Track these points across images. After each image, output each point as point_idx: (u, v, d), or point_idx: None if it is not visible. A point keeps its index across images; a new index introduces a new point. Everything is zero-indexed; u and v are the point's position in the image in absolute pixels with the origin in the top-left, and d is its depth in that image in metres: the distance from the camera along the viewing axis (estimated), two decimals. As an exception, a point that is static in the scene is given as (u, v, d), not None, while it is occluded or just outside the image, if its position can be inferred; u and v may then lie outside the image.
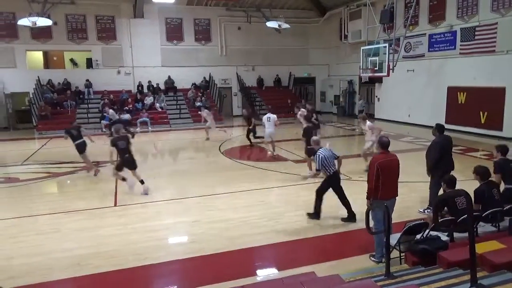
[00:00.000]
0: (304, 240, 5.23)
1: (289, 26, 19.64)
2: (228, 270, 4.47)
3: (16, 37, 18.55)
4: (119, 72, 20.36)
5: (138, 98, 19.67)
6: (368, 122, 9.11)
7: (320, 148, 6.07)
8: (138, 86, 20.43)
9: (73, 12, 19.29)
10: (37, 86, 18.50)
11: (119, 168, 7.75)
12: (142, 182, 7.62)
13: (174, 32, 21.27)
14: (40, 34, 18.41)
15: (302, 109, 11.01)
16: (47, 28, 17.97)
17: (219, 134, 14.24)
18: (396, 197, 4.60)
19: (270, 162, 10.45)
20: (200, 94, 20.60)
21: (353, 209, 5.76)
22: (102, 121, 17.24)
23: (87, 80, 19.68)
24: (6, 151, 13.59)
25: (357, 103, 16.36)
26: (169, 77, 21.09)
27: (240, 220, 6.01)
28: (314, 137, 6.88)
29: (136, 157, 7.91)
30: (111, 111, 16.57)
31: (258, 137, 12.70)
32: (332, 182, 5.82)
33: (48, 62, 21.49)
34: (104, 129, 17.02)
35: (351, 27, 20.39)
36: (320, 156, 5.78)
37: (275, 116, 11.44)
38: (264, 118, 11.65)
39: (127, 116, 17.21)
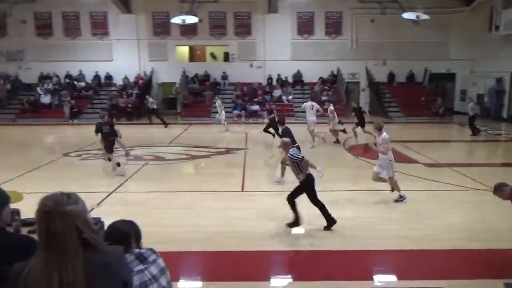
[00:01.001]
0: (433, 252, 4.87)
1: (428, 17, 18.03)
2: (341, 270, 4.46)
3: (169, 34, 21.20)
4: (251, 65, 21.60)
5: (267, 90, 20.61)
6: (384, 134, 6.80)
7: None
8: (268, 79, 21.40)
9: (215, 10, 21.10)
10: (182, 77, 20.93)
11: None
12: (118, 164, 8.49)
13: (304, 26, 21.56)
14: (187, 31, 20.70)
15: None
16: (193, 25, 20.07)
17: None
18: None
19: (397, 163, 9.89)
20: (327, 88, 20.53)
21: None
22: (234, 111, 18.61)
23: (224, 72, 21.42)
24: (156, 133, 15.77)
25: (469, 106, 14.17)
26: (298, 70, 21.54)
27: (361, 220, 5.89)
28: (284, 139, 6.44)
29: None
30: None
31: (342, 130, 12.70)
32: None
33: (192, 56, 24.01)
34: (235, 118, 18.36)
35: (504, 16, 17.72)
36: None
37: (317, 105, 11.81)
38: (308, 105, 11.69)
39: (256, 107, 18.26)
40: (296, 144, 7.71)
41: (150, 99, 17.75)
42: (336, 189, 7.27)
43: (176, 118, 19.60)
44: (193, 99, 20.26)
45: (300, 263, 4.77)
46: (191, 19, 18.45)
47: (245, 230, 5.51)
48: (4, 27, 21.04)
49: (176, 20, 18.25)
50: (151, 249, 1.94)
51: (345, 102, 20.21)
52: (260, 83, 21.37)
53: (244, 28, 21.50)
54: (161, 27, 21.17)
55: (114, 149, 9.05)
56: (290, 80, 21.62)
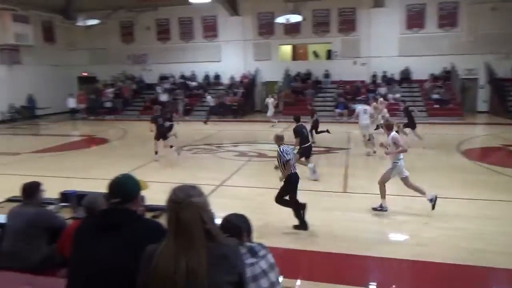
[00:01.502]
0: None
1: None
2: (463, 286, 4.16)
3: (273, 33, 21.76)
4: (355, 63, 20.99)
5: (371, 88, 19.84)
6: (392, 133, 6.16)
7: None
8: (372, 76, 20.59)
9: (319, 7, 20.97)
10: (285, 76, 21.33)
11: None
12: (171, 146, 10.36)
13: (414, 19, 20.17)
14: (290, 29, 21.00)
15: None
16: (297, 24, 20.26)
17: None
18: None
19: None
20: (439, 86, 18.95)
21: None
22: (336, 110, 18.36)
23: (326, 71, 21.23)
24: (259, 131, 16.39)
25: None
26: (406, 67, 20.29)
27: (476, 232, 5.40)
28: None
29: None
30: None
31: (322, 132, 11.94)
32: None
33: (295, 55, 24.27)
34: (337, 117, 18.10)
35: None
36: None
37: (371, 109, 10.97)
38: (360, 109, 10.77)
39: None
40: (309, 143, 8.31)
41: (209, 97, 19.68)
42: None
43: (277, 117, 20.04)
44: (295, 97, 20.51)
45: (401, 272, 4.59)
46: (295, 18, 18.72)
47: (348, 232, 5.48)
48: (132, 33, 23.95)
49: (281, 19, 18.69)
50: (261, 244, 2.04)
51: (460, 101, 18.42)
52: (363, 81, 20.67)
53: (348, 25, 20.99)
54: (265, 28, 21.83)
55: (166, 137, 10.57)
56: (397, 77, 20.47)
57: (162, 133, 10.47)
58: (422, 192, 6.10)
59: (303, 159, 8.35)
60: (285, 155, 5.50)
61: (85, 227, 2.02)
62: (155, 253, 1.56)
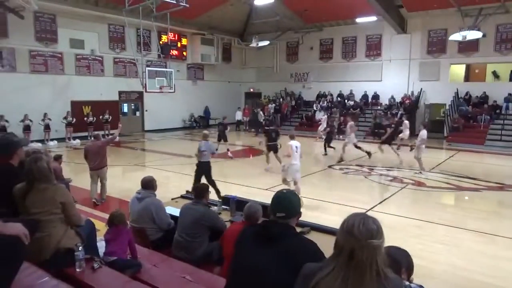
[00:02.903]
0: None
1: None
2: None
3: (444, 52, 19.90)
4: (549, 86, 17.47)
5: None
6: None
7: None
8: None
9: (505, 22, 18.25)
10: (454, 99, 19.19)
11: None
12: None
13: None
14: (466, 47, 18.83)
15: None
16: (474, 41, 18.05)
17: None
18: None
19: None
20: None
21: None
22: (517, 140, 15.58)
23: (509, 94, 18.23)
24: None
25: None
26: None
27: None
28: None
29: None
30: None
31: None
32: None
33: (468, 75, 21.64)
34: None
35: None
36: None
37: None
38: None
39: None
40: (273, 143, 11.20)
41: (261, 113, 20.70)
42: None
43: (441, 143, 18.16)
44: (464, 122, 18.22)
45: None
46: (474, 35, 16.70)
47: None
48: (296, 53, 25.34)
49: (456, 37, 16.95)
50: (421, 287, 1.87)
51: None
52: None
53: (543, 41, 17.63)
54: (436, 45, 20.13)
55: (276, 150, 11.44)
56: None
57: (273, 147, 11.48)
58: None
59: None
60: (200, 147, 7.94)
61: (247, 236, 2.17)
62: (317, 275, 1.54)
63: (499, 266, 5.19)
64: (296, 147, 7.99)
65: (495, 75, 20.53)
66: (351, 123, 13.86)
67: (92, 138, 8.42)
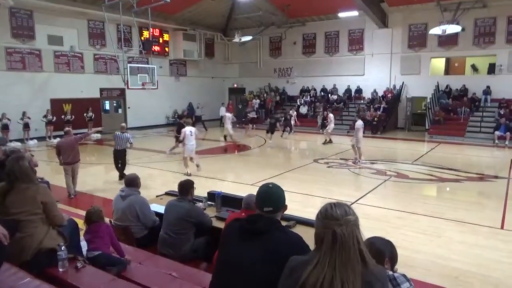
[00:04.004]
0: None
1: None
2: None
3: (424, 46, 20.20)
4: (525, 78, 17.93)
5: (547, 108, 16.64)
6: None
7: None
8: (549, 95, 17.27)
9: (483, 16, 18.63)
10: (435, 92, 19.54)
11: None
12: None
13: None
14: (445, 41, 19.16)
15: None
16: (453, 35, 18.37)
17: None
18: None
19: None
20: None
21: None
22: (495, 132, 15.98)
23: (487, 87, 18.66)
24: (400, 149, 15.41)
25: None
26: None
27: None
28: None
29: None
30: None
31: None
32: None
33: (448, 69, 22.03)
34: (496, 141, 15.77)
35: None
36: None
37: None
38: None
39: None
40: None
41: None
42: None
43: (423, 136, 18.50)
44: (444, 115, 18.58)
45: None
46: (453, 29, 17.00)
47: (504, 278, 4.68)
48: (279, 48, 25.33)
49: (436, 30, 17.23)
50: (404, 276, 1.88)
51: None
52: (537, 100, 17.47)
53: (521, 34, 18.06)
54: (416, 39, 20.42)
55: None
56: None
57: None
58: (186, 166, 10.08)
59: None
60: (114, 138, 9.31)
61: (232, 231, 2.14)
62: (304, 269, 1.55)
63: (480, 255, 5.32)
64: (191, 131, 10.02)
65: (474, 68, 20.96)
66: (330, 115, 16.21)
67: (64, 134, 8.38)
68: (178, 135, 11.54)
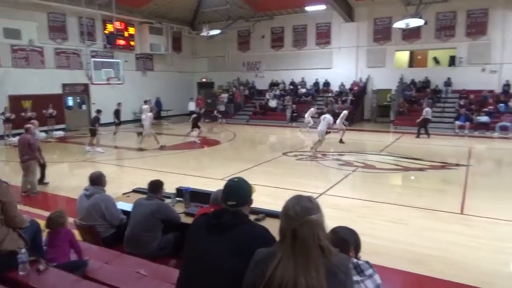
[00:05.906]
0: None
1: None
2: None
3: (389, 39, 20.74)
4: (483, 70, 18.77)
5: (502, 99, 17.50)
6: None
7: None
8: (504, 86, 18.16)
9: (444, 10, 19.30)
10: (399, 84, 20.12)
11: None
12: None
13: None
14: (409, 35, 19.75)
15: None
16: (416, 29, 18.95)
17: None
18: None
19: None
20: None
21: None
22: (456, 122, 16.68)
23: (448, 79, 19.40)
24: (367, 140, 15.79)
25: None
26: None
27: None
28: None
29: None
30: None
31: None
32: None
33: (412, 61, 22.72)
34: (456, 130, 16.46)
35: None
36: None
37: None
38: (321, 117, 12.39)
39: (485, 119, 15.85)
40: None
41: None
42: None
43: (388, 127, 19.04)
44: (408, 107, 19.19)
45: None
46: (416, 22, 17.52)
47: (462, 259, 4.93)
48: (248, 42, 25.24)
49: (400, 24, 17.69)
50: (368, 262, 1.93)
51: None
52: (492, 91, 18.32)
53: (477, 28, 18.85)
54: (381, 33, 20.92)
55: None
56: (538, 87, 17.67)
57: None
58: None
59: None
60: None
61: (199, 226, 2.12)
62: (267, 259, 1.58)
63: (443, 239, 5.54)
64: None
65: (436, 61, 21.70)
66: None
67: (24, 131, 8.04)
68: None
